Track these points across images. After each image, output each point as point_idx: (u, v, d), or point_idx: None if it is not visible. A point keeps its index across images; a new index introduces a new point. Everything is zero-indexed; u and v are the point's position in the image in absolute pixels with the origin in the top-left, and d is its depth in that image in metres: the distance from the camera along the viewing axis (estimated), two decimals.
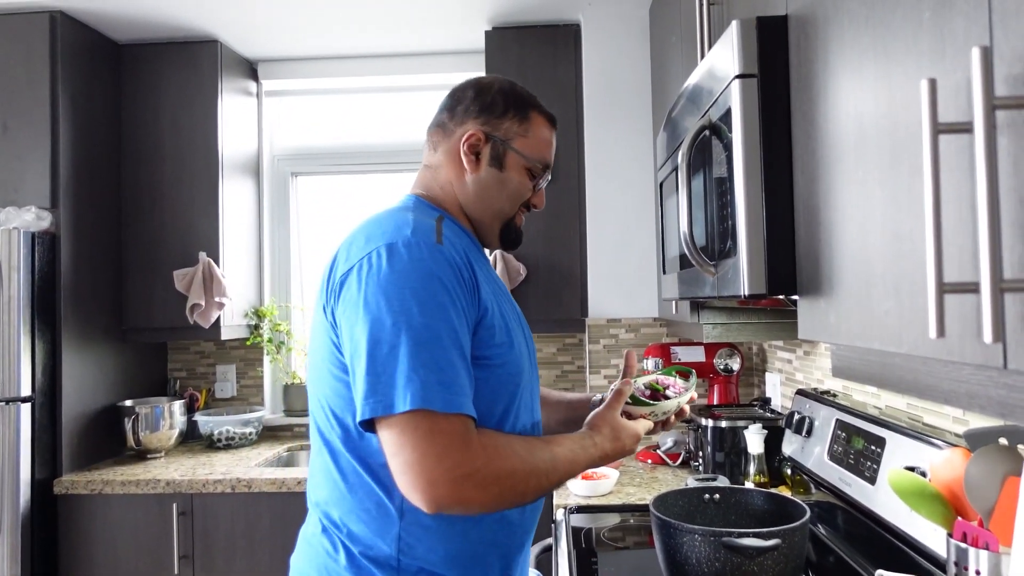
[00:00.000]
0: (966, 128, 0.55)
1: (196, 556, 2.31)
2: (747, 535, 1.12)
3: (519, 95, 1.21)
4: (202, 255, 2.68)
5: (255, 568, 2.31)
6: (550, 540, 1.76)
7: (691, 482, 1.91)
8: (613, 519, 1.81)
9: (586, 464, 1.11)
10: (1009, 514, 0.86)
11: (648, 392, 1.27)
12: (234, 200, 2.85)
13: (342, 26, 2.71)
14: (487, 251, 1.29)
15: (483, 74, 1.26)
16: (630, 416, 1.21)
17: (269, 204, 3.13)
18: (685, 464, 2.28)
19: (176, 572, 2.30)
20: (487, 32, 2.68)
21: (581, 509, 1.86)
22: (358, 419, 0.96)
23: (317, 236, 3.20)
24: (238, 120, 2.91)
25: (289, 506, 2.30)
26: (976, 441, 0.97)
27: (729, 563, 1.12)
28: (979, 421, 1.23)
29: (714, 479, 1.91)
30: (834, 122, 0.88)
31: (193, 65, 2.75)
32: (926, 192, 0.57)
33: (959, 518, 0.96)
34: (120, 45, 2.75)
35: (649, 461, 2.34)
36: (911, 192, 0.70)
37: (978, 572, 0.91)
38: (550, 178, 1.26)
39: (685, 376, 1.35)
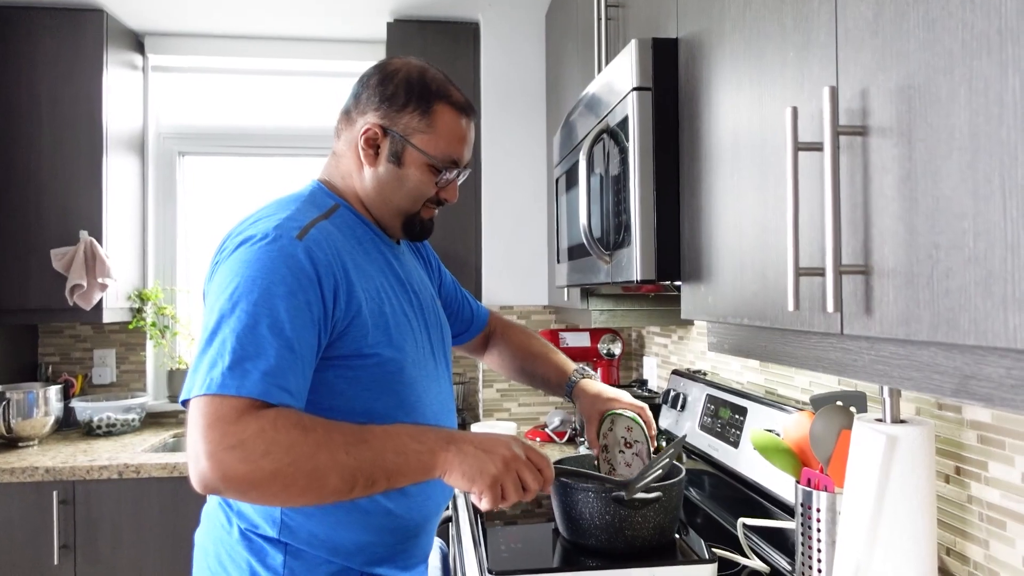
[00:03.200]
0: (818, 147, 0.72)
1: (78, 545, 2.24)
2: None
3: (425, 85, 1.15)
4: (83, 234, 2.57)
5: (143, 555, 2.26)
6: (449, 512, 1.87)
7: (583, 451, 2.08)
8: None
9: (421, 442, 0.98)
10: (843, 460, 1.06)
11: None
12: (118, 178, 2.74)
13: (238, 5, 2.67)
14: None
15: (395, 56, 1.20)
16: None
17: (154, 183, 3.03)
18: (571, 441, 2.46)
19: (56, 562, 2.21)
20: (389, 24, 2.74)
21: None
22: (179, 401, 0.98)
23: (206, 217, 3.13)
24: (123, 95, 2.80)
25: (180, 491, 2.27)
26: (819, 404, 1.17)
27: (617, 515, 1.28)
28: (820, 390, 1.46)
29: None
30: (715, 133, 1.04)
31: (75, 34, 2.61)
32: (787, 196, 0.73)
33: (805, 467, 1.16)
34: None
35: (538, 439, 2.50)
36: (776, 195, 0.86)
37: (818, 510, 1.11)
38: (468, 171, 1.24)
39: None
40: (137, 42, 2.93)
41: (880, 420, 1.00)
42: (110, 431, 2.69)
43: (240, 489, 0.89)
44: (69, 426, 2.78)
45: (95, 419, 2.66)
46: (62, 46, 2.61)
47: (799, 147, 0.73)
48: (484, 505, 1.00)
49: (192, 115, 3.09)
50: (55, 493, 2.22)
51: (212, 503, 1.16)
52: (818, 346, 0.81)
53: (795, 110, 0.73)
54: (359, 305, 1.05)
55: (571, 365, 1.47)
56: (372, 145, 1.15)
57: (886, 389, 0.99)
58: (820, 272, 0.72)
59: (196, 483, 0.89)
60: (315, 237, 1.03)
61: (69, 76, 2.61)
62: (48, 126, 2.60)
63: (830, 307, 0.69)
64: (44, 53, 2.60)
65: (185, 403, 0.95)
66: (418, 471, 0.97)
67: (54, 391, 2.58)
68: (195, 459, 0.89)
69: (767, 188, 0.88)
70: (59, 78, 2.61)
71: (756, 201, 0.91)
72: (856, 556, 0.97)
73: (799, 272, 0.73)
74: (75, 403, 2.69)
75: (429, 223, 1.25)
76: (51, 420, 2.57)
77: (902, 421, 0.99)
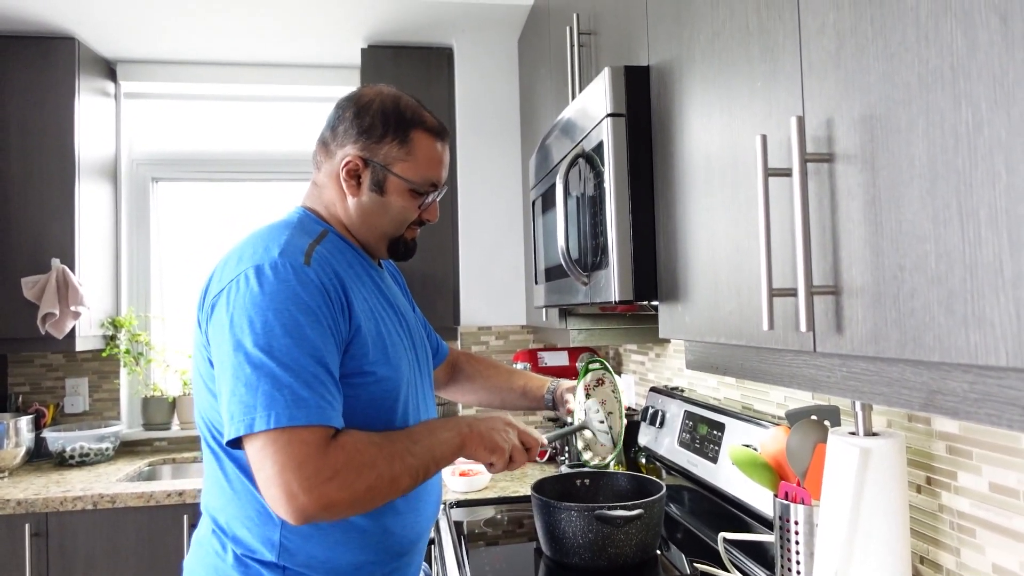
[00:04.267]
0: (787, 173, 0.75)
1: None
2: (615, 507, 1.30)
3: (400, 114, 1.19)
4: (55, 262, 2.54)
5: None
6: (432, 534, 1.87)
7: (564, 470, 2.09)
8: (489, 511, 1.95)
9: (448, 430, 1.13)
10: (819, 473, 1.09)
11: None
12: (90, 205, 2.72)
13: (211, 32, 2.67)
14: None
15: (366, 85, 1.23)
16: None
17: (128, 210, 3.01)
18: (551, 460, 2.47)
19: None
20: (363, 49, 2.76)
21: (460, 504, 1.98)
22: (224, 440, 1.00)
23: (180, 243, 3.11)
24: (95, 122, 2.78)
25: (158, 520, 2.24)
26: (794, 418, 1.20)
27: (600, 533, 1.30)
28: (795, 405, 1.49)
29: (583, 466, 2.10)
30: (688, 158, 1.07)
31: (47, 62, 2.60)
32: (759, 220, 0.76)
33: (782, 481, 1.19)
34: None
35: None
36: (748, 217, 0.90)
37: (796, 522, 1.13)
38: (445, 188, 1.27)
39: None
40: (109, 69, 2.92)
41: (853, 433, 1.03)
42: (83, 461, 2.64)
43: (340, 512, 0.98)
44: (41, 457, 2.73)
45: (68, 449, 2.61)
46: (33, 74, 2.59)
47: (769, 173, 0.76)
48: (496, 469, 1.18)
49: (165, 141, 3.08)
50: (27, 526, 2.17)
51: (204, 529, 1.15)
52: (792, 363, 0.84)
53: (764, 138, 0.76)
54: (358, 324, 1.09)
55: (548, 379, 1.55)
56: (354, 176, 1.18)
57: (858, 403, 1.02)
58: (792, 292, 0.75)
59: (293, 516, 0.95)
60: (317, 261, 1.07)
61: (41, 104, 2.59)
62: (19, 154, 2.57)
63: (803, 326, 0.71)
64: (15, 81, 2.58)
65: (235, 440, 0.98)
66: (454, 454, 1.13)
67: (25, 421, 2.54)
68: (290, 495, 0.94)
69: (739, 210, 0.92)
70: (30, 106, 2.59)
71: (729, 223, 0.94)
72: (834, 566, 0.99)
73: (772, 293, 0.76)
74: (47, 433, 2.64)
75: (413, 243, 1.28)
76: (22, 451, 2.52)
77: (874, 434, 1.02)
